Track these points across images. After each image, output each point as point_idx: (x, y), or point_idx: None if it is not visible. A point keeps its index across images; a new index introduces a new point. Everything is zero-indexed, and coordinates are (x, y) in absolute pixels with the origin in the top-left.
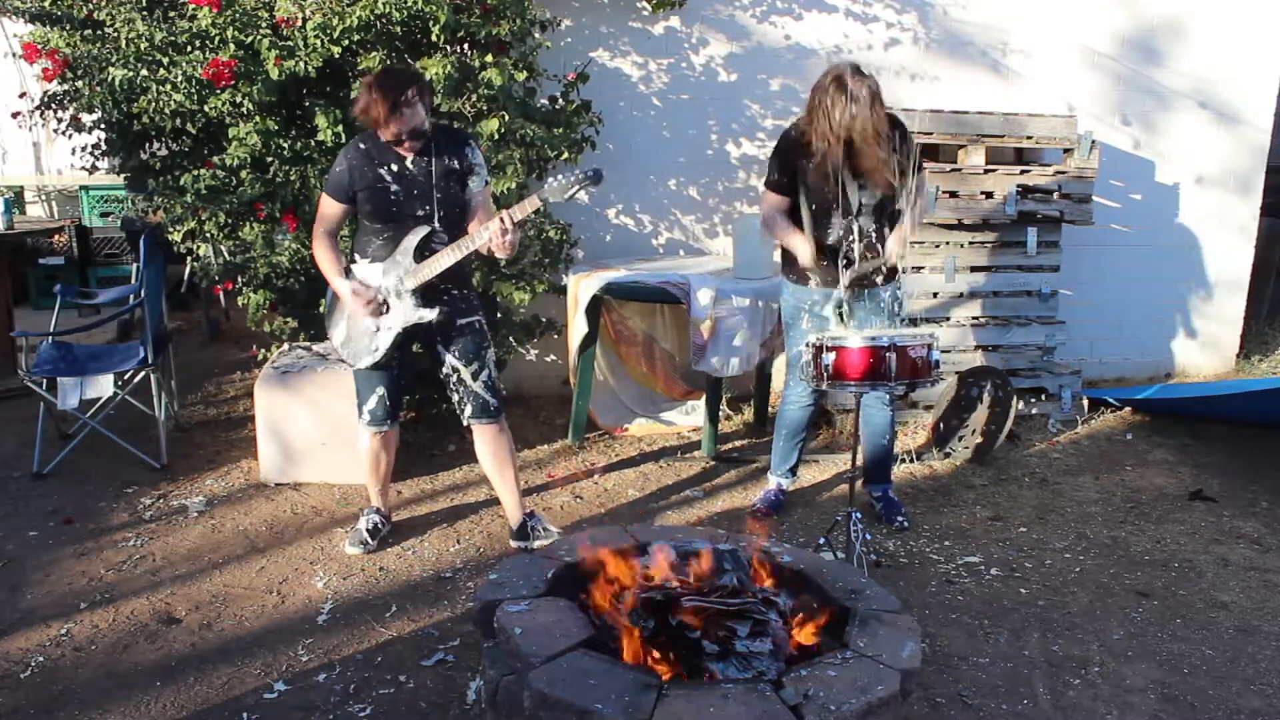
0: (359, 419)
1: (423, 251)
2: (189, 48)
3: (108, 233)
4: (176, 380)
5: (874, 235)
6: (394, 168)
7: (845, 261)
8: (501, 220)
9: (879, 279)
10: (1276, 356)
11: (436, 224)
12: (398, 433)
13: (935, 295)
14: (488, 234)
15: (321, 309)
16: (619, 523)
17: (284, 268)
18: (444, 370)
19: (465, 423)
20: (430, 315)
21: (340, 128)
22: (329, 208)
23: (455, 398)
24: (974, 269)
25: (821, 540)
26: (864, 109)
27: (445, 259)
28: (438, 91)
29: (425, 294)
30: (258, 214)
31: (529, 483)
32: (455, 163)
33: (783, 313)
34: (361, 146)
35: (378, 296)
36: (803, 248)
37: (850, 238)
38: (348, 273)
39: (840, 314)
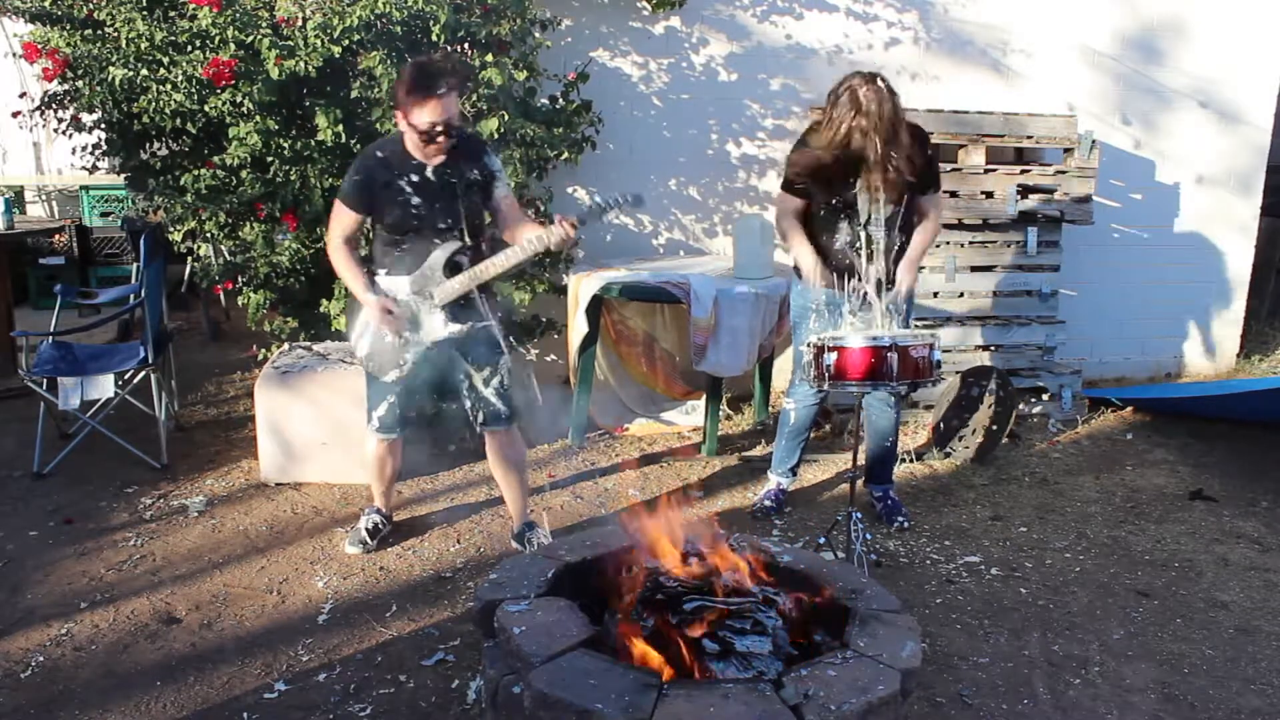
0: (367, 424)
1: (451, 266)
2: (189, 47)
3: (108, 233)
4: (176, 380)
5: (881, 244)
6: (414, 178)
7: (850, 269)
8: (568, 222)
9: (890, 284)
10: (1277, 356)
11: (465, 238)
12: (402, 440)
13: (935, 295)
14: (557, 235)
15: (323, 309)
16: (619, 523)
17: (284, 268)
18: (457, 376)
19: (478, 429)
20: (460, 330)
21: (340, 127)
22: (346, 216)
23: (468, 404)
24: (974, 269)
25: (822, 540)
26: (884, 104)
27: (477, 277)
28: None
29: (454, 311)
30: (258, 214)
31: (530, 483)
32: (476, 173)
33: (791, 312)
34: (380, 155)
35: (407, 313)
36: (807, 260)
37: (857, 245)
38: (372, 283)
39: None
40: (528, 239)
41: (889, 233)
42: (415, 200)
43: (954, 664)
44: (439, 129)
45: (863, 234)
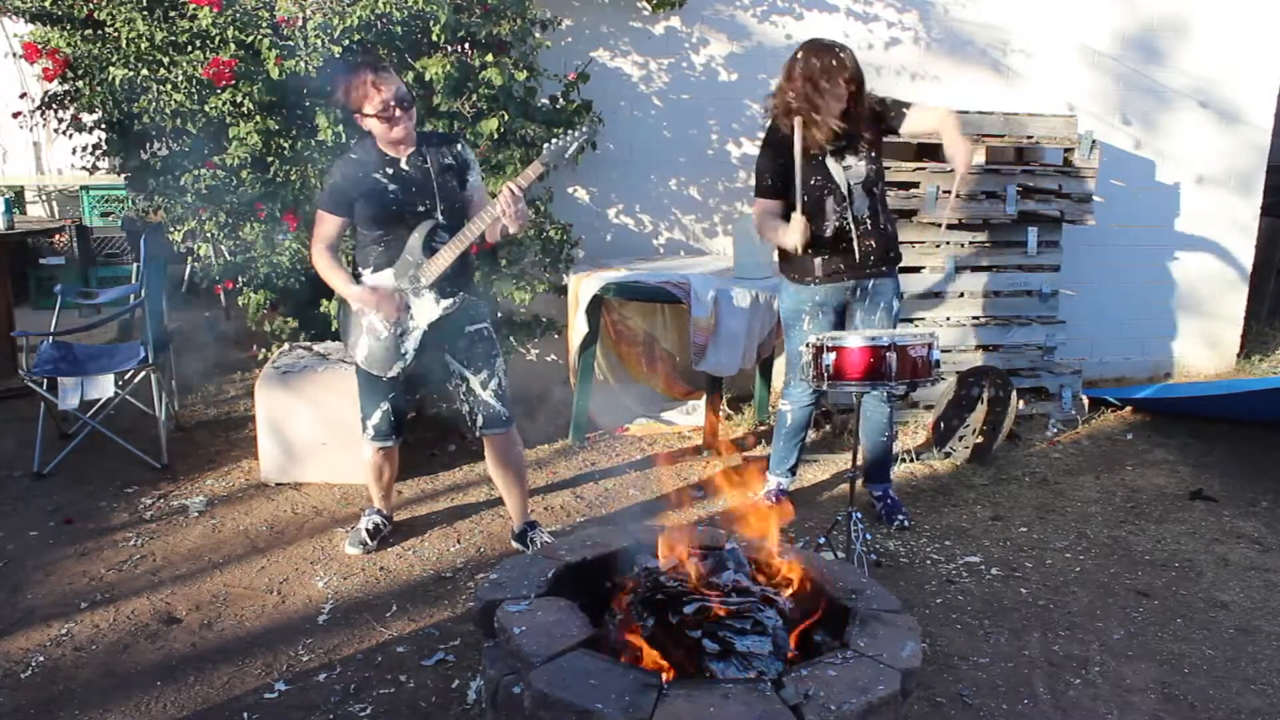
0: (362, 432)
1: (429, 246)
2: (189, 47)
3: (108, 233)
4: (176, 380)
5: (869, 222)
6: (389, 170)
7: (845, 245)
8: (510, 190)
9: (884, 266)
10: (1277, 356)
11: (440, 217)
12: (399, 446)
13: (935, 295)
14: (498, 208)
15: (323, 308)
16: (619, 522)
17: (284, 267)
18: (452, 380)
19: (477, 433)
20: (451, 305)
21: (340, 128)
22: (327, 222)
23: (465, 408)
24: (974, 269)
25: (822, 540)
26: (848, 55)
27: (458, 245)
28: (438, 91)
29: (441, 287)
30: (258, 214)
31: (530, 483)
32: (450, 159)
33: (782, 313)
34: (354, 156)
35: (396, 296)
36: (792, 234)
37: (847, 225)
38: (356, 281)
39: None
40: (498, 200)
41: (872, 204)
42: (392, 188)
43: (954, 664)
44: (394, 104)
45: (849, 214)
